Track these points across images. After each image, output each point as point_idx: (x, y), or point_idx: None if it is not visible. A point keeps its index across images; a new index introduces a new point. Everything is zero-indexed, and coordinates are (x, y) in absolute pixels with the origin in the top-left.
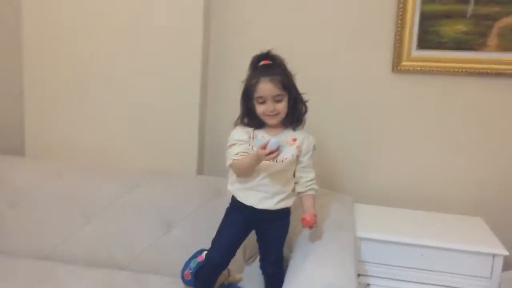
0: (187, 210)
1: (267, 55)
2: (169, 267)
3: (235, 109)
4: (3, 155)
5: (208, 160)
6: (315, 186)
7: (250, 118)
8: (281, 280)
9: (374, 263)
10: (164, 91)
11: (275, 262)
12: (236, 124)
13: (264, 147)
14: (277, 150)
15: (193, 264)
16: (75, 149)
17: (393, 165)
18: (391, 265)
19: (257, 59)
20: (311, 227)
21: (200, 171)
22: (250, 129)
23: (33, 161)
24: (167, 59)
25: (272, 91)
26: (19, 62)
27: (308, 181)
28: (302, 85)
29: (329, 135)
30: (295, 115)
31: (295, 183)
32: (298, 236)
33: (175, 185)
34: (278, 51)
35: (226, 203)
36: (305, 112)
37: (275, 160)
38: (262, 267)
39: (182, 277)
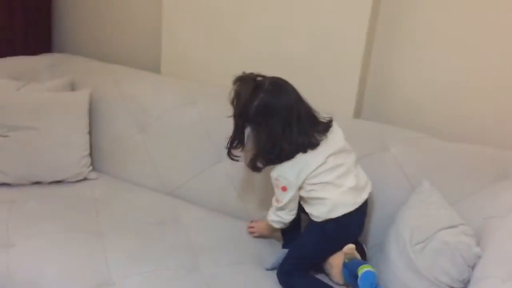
0: None
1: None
2: None
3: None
4: (138, 70)
5: (367, 103)
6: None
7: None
8: None
9: None
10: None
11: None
12: None
13: None
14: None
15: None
16: (210, 72)
17: None
18: None
19: None
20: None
21: (357, 114)
22: None
23: (166, 80)
24: None
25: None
26: None
27: None
28: None
29: None
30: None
31: None
32: None
33: None
34: None
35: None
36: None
37: None
38: None
39: None
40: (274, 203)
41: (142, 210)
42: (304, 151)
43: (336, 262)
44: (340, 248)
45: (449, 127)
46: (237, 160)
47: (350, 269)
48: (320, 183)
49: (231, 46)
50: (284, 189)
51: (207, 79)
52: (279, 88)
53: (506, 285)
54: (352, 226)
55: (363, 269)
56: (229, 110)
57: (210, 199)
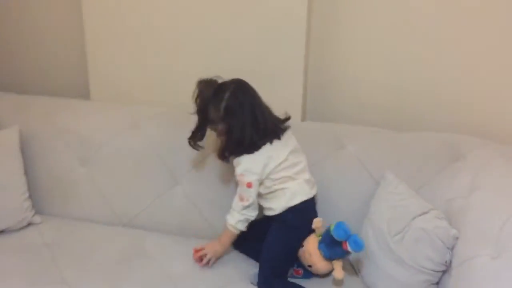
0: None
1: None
2: None
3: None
4: (68, 99)
5: (311, 105)
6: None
7: None
8: None
9: None
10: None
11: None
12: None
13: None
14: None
15: None
16: (145, 92)
17: None
18: None
19: None
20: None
21: (303, 117)
22: None
23: (102, 106)
24: None
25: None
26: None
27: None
28: None
29: None
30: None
31: None
32: None
33: None
34: None
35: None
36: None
37: None
38: None
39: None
40: (239, 203)
41: (101, 248)
42: (271, 141)
43: (311, 247)
44: (305, 235)
45: (396, 118)
46: (199, 149)
47: (324, 241)
48: (281, 177)
49: (164, 62)
50: (249, 185)
51: (143, 100)
52: (242, 86)
53: (497, 262)
54: (309, 212)
55: (332, 226)
56: (177, 130)
57: (171, 224)
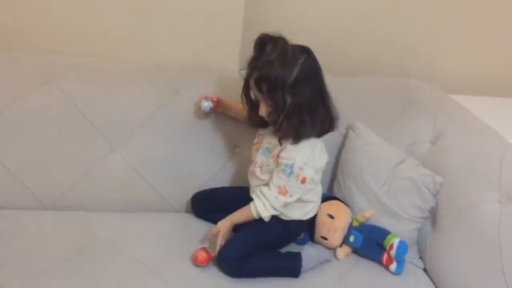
0: None
1: (257, 42)
2: None
3: None
4: None
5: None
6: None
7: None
8: None
9: None
10: None
11: None
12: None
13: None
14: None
15: None
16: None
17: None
18: None
19: (255, 43)
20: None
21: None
22: None
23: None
24: None
25: (256, 94)
26: None
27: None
28: None
29: None
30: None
31: None
32: None
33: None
34: None
35: None
36: (305, 128)
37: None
38: None
39: None
40: (280, 198)
41: (40, 243)
42: (327, 132)
43: (343, 225)
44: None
45: (341, 61)
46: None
47: (367, 235)
48: (313, 184)
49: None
50: (304, 181)
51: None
52: (314, 57)
53: (505, 206)
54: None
55: (394, 238)
56: (105, 84)
57: (114, 199)
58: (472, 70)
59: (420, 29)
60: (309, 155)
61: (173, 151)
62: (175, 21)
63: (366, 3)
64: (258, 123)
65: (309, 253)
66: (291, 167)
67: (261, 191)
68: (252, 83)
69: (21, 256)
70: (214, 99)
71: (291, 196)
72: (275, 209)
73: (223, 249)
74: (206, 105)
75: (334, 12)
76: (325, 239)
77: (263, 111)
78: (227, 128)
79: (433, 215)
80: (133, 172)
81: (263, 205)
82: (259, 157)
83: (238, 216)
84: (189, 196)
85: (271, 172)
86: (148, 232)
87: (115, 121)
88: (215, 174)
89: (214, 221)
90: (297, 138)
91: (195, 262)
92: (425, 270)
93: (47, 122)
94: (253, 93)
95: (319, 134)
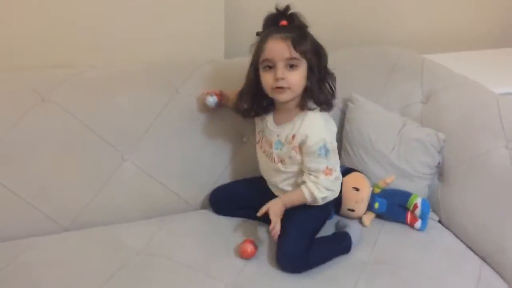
0: None
1: (283, 14)
2: None
3: None
4: None
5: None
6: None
7: (256, 97)
8: None
9: None
10: None
11: None
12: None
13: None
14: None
15: None
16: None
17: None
18: None
19: (270, 19)
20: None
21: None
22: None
23: None
24: None
25: (284, 51)
26: None
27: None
28: None
29: None
30: (317, 96)
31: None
32: None
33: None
34: None
35: None
36: (332, 95)
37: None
38: None
39: None
40: (329, 177)
41: (75, 266)
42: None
43: (366, 195)
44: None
45: None
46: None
47: (391, 199)
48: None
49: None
50: (335, 151)
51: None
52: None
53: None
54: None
55: (416, 198)
56: (102, 91)
57: (133, 207)
58: (435, 28)
59: None
60: (329, 127)
61: (182, 150)
62: (159, 19)
63: None
64: (243, 110)
65: (351, 228)
66: (325, 147)
67: (309, 179)
68: (290, 44)
69: (62, 285)
70: (217, 92)
71: (335, 170)
72: (328, 189)
73: (282, 249)
74: (212, 100)
75: None
76: (353, 210)
77: (296, 76)
78: (230, 118)
79: (439, 170)
80: (147, 177)
81: (316, 188)
82: (275, 153)
83: (290, 198)
84: (205, 192)
85: (298, 163)
86: (180, 234)
87: (121, 129)
88: (227, 166)
89: (236, 216)
90: (328, 103)
91: (243, 255)
92: (439, 222)
93: (50, 141)
94: (281, 62)
95: (332, 105)
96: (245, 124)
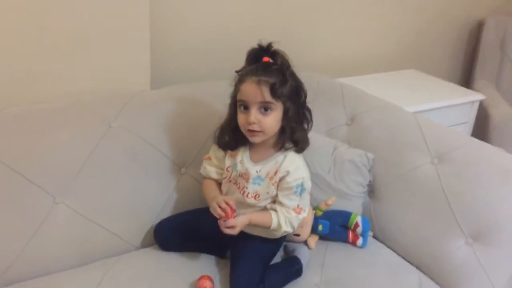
0: None
1: (266, 51)
2: None
3: None
4: None
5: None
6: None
7: (232, 131)
8: None
9: None
10: None
11: None
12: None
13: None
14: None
15: None
16: None
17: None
18: None
19: (253, 55)
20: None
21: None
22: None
23: None
24: None
25: (258, 96)
26: None
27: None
28: None
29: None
30: (290, 138)
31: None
32: None
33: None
34: None
35: None
36: (306, 136)
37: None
38: None
39: None
40: (299, 217)
41: None
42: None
43: (309, 219)
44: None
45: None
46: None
47: (333, 220)
48: None
49: None
50: (308, 193)
51: None
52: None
53: (439, 166)
54: None
55: (356, 217)
56: (29, 130)
57: (71, 254)
58: (342, 52)
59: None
60: (307, 168)
61: (119, 187)
62: (84, 52)
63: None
64: (225, 143)
65: (300, 252)
66: (302, 185)
67: (281, 210)
68: (265, 88)
69: None
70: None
71: (304, 210)
72: (292, 225)
73: (235, 282)
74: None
75: (233, 24)
76: (298, 235)
77: (269, 120)
78: (167, 151)
79: (370, 188)
80: (84, 220)
81: (284, 220)
82: (251, 188)
83: (257, 219)
84: (146, 229)
85: (272, 197)
86: (128, 277)
87: (52, 170)
88: (167, 199)
89: (185, 250)
90: (304, 145)
91: None
92: (374, 237)
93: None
94: (255, 105)
95: (307, 145)
96: (183, 155)
